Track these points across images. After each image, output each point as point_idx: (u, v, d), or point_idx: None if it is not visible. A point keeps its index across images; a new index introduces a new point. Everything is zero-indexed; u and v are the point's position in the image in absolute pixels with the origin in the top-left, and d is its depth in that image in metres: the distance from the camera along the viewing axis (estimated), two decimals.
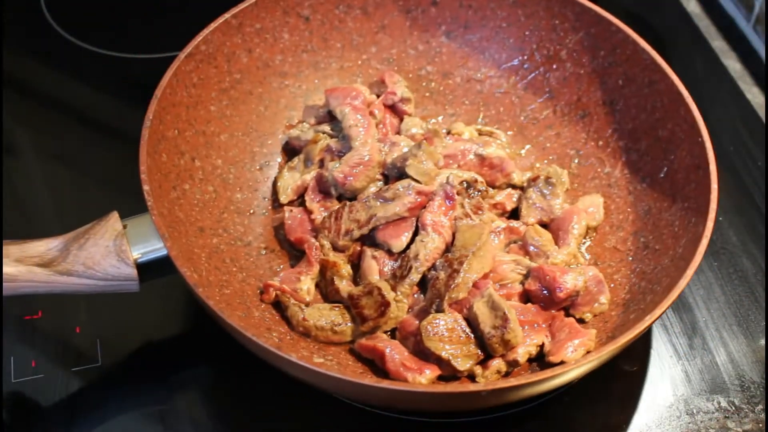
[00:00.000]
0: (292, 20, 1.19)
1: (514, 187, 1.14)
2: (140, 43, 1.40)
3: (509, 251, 1.07)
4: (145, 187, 0.95)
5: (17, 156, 1.25)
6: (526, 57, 1.22)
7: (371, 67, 1.24)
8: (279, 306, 1.03)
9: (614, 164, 1.14)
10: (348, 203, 1.07)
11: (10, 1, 1.46)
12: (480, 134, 1.19)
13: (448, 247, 1.03)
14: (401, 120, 1.18)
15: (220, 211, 1.08)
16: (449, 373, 0.96)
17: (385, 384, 0.85)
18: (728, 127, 1.32)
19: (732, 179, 1.25)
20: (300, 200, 1.13)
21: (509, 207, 1.13)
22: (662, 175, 1.08)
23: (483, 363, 0.97)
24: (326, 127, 1.16)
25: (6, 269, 0.90)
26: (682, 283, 0.90)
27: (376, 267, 1.03)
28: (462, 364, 0.95)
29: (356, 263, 1.06)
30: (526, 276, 1.04)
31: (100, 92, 1.34)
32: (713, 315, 1.11)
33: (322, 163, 1.13)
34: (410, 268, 1.01)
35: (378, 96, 1.18)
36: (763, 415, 1.02)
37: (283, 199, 1.13)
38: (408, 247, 1.03)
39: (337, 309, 1.01)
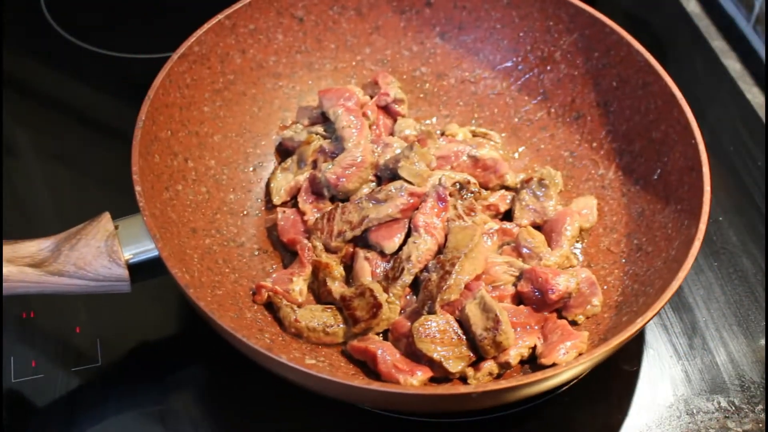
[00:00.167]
0: (285, 21, 1.19)
1: (507, 188, 1.14)
2: (140, 43, 1.40)
3: (502, 253, 1.07)
4: (137, 188, 0.95)
5: (17, 156, 1.25)
6: (520, 58, 1.21)
7: (365, 68, 1.23)
8: (271, 307, 1.03)
9: (608, 166, 1.14)
10: (340, 204, 1.07)
11: (10, 1, 1.46)
12: (474, 135, 1.19)
13: (441, 249, 1.02)
14: (395, 121, 1.18)
15: (213, 212, 1.08)
16: (441, 375, 0.96)
17: (375, 386, 0.85)
18: (728, 127, 1.31)
19: (732, 179, 1.25)
20: (293, 201, 1.13)
21: (502, 208, 1.12)
22: (656, 177, 1.08)
23: (475, 365, 0.97)
24: (319, 128, 1.16)
25: None
26: (675, 285, 0.90)
27: (369, 268, 1.03)
28: (454, 366, 0.95)
29: (349, 264, 1.06)
30: (518, 278, 1.03)
31: (100, 92, 1.35)
32: (713, 315, 1.11)
33: (315, 164, 1.13)
34: (402, 269, 1.01)
35: (371, 97, 1.18)
36: (763, 415, 1.02)
37: (276, 200, 1.12)
38: (400, 248, 1.03)
39: (329, 310, 1.01)
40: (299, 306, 1.02)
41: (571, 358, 0.94)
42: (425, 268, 1.01)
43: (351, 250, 1.06)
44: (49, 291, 0.93)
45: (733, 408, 1.03)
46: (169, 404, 1.02)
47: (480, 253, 1.01)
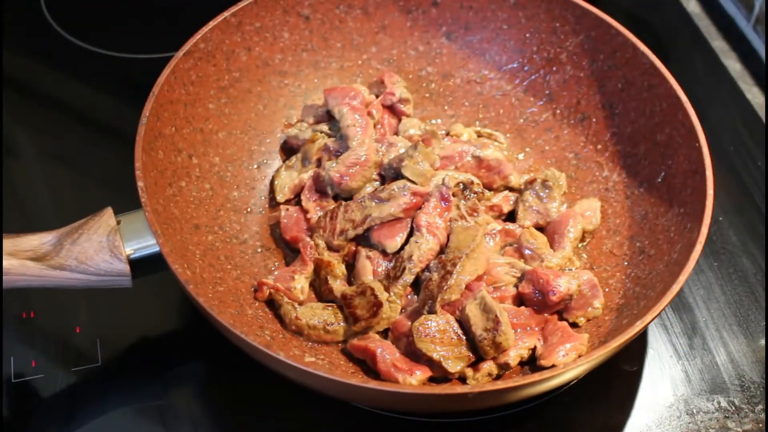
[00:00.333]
0: (292, 19, 1.19)
1: (511, 189, 1.14)
2: (140, 43, 1.40)
3: (504, 254, 1.07)
4: (140, 184, 0.95)
5: (17, 156, 1.26)
6: (526, 59, 1.21)
7: (371, 68, 1.24)
8: (273, 304, 1.03)
9: (612, 168, 1.14)
10: (343, 203, 1.07)
11: (10, 1, 1.46)
12: (479, 136, 1.19)
13: (443, 249, 1.02)
14: (400, 121, 1.18)
15: (216, 208, 1.08)
16: (440, 375, 0.96)
17: (373, 384, 0.85)
18: (728, 127, 1.31)
19: (732, 179, 1.24)
20: (297, 199, 1.13)
21: (506, 209, 1.12)
22: (659, 180, 1.07)
23: (474, 365, 0.97)
24: (324, 127, 1.16)
25: None
26: (675, 289, 0.90)
27: (370, 267, 1.03)
28: (453, 366, 0.95)
29: (351, 263, 1.06)
30: (520, 279, 1.03)
31: (100, 92, 1.35)
32: (713, 315, 1.11)
33: (319, 163, 1.13)
34: (404, 268, 1.01)
35: (377, 96, 1.18)
36: (763, 415, 1.02)
37: (280, 197, 1.13)
38: (402, 247, 1.03)
39: (330, 308, 1.01)
40: (300, 304, 1.02)
41: (570, 360, 0.94)
42: (426, 268, 1.01)
43: (353, 248, 1.06)
44: (51, 285, 0.93)
45: (733, 408, 1.03)
46: (169, 404, 1.02)
47: (481, 253, 1.01)
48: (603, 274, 1.06)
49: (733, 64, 1.44)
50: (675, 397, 1.04)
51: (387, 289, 1.00)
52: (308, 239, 1.06)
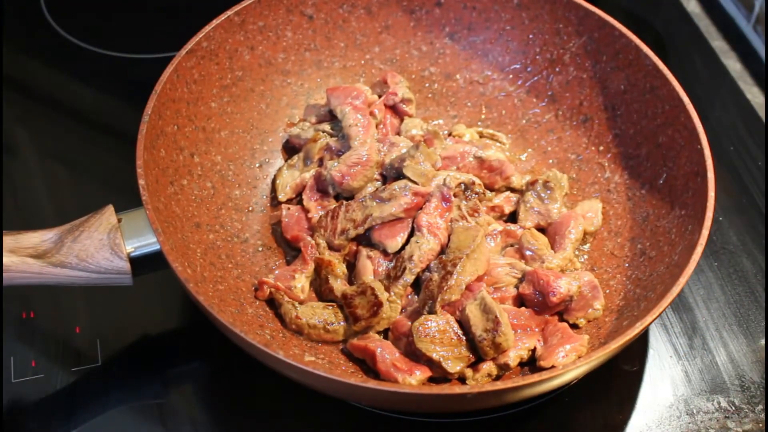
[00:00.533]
0: (295, 18, 1.19)
1: (513, 190, 1.14)
2: (140, 43, 1.40)
3: (505, 254, 1.07)
4: (141, 182, 0.95)
5: (17, 156, 1.26)
6: (529, 60, 1.21)
7: (374, 67, 1.24)
8: (273, 303, 1.03)
9: (614, 170, 1.13)
10: (344, 202, 1.07)
11: (10, 1, 1.46)
12: (481, 137, 1.19)
13: (444, 249, 1.02)
14: (402, 121, 1.18)
15: (217, 207, 1.09)
16: (440, 375, 0.96)
17: (372, 384, 0.85)
18: (728, 127, 1.31)
19: (732, 179, 1.24)
20: (298, 198, 1.13)
21: (507, 210, 1.12)
22: (661, 182, 1.07)
23: (474, 366, 0.97)
24: (326, 126, 1.16)
25: None
26: (675, 291, 0.90)
27: (371, 267, 1.03)
28: (452, 367, 0.95)
29: (351, 263, 1.06)
30: (520, 280, 1.03)
31: (100, 92, 1.35)
32: (713, 315, 1.11)
33: (321, 162, 1.13)
34: (404, 268, 1.01)
35: (379, 96, 1.18)
36: (763, 415, 1.02)
37: (282, 196, 1.13)
38: (403, 247, 1.03)
39: (330, 308, 1.01)
40: (301, 303, 1.02)
41: (570, 362, 0.93)
42: (427, 268, 1.01)
43: (354, 248, 1.06)
44: (51, 282, 0.93)
45: (733, 408, 1.02)
46: (169, 403, 1.02)
47: (482, 254, 1.01)
48: (604, 275, 1.06)
49: (733, 64, 1.44)
50: (675, 397, 1.04)
51: (387, 289, 1.00)
52: (309, 238, 1.06)
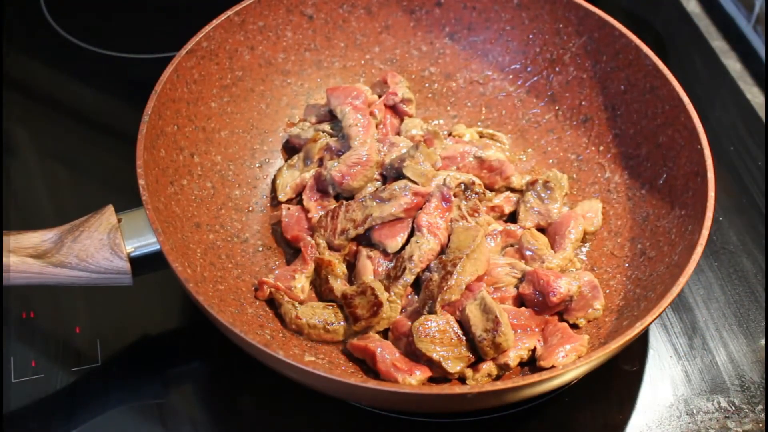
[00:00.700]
0: (295, 18, 1.19)
1: (513, 190, 1.14)
2: (140, 43, 1.40)
3: (505, 254, 1.07)
4: (141, 182, 0.95)
5: (17, 156, 1.26)
6: (529, 60, 1.21)
7: (374, 67, 1.24)
8: (273, 303, 1.03)
9: (614, 170, 1.13)
10: (344, 202, 1.07)
11: (10, 1, 1.46)
12: (481, 137, 1.19)
13: (444, 249, 1.02)
14: (402, 121, 1.18)
15: (217, 207, 1.09)
16: (440, 375, 0.96)
17: (372, 384, 0.85)
18: (728, 127, 1.31)
19: (732, 179, 1.24)
20: (298, 198, 1.14)
21: (507, 210, 1.12)
22: (661, 182, 1.07)
23: (474, 366, 0.97)
24: (326, 126, 1.16)
25: None
26: (675, 291, 0.90)
27: (371, 267, 1.03)
28: (452, 367, 0.95)
29: (351, 263, 1.06)
30: (520, 280, 1.03)
31: (100, 92, 1.35)
32: (713, 315, 1.11)
33: (321, 162, 1.13)
34: (404, 268, 1.01)
35: (379, 96, 1.18)
36: (763, 416, 1.02)
37: (282, 196, 1.13)
38: (403, 247, 1.03)
39: (330, 308, 1.01)
40: (301, 303, 1.02)
41: (570, 362, 0.93)
42: (427, 268, 1.01)
43: (354, 248, 1.06)
44: (51, 282, 0.93)
45: (733, 408, 1.02)
46: (169, 403, 1.02)
47: (482, 254, 1.01)
48: (604, 275, 1.06)
49: (733, 64, 1.44)
50: (675, 397, 1.04)
51: (387, 289, 1.00)
52: (309, 238, 1.06)
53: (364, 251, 1.05)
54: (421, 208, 1.05)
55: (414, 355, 0.96)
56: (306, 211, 1.10)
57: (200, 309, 0.89)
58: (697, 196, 1.00)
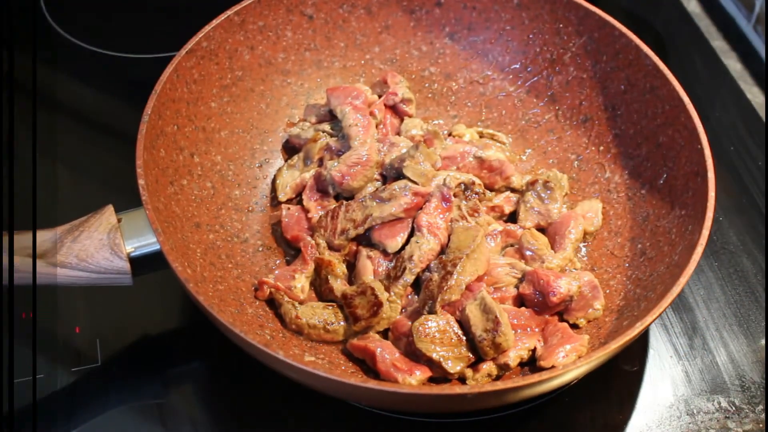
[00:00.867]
0: (295, 18, 1.19)
1: (513, 190, 1.14)
2: (140, 43, 1.40)
3: (505, 254, 1.07)
4: (141, 182, 0.95)
5: (17, 156, 1.25)
6: (529, 60, 1.21)
7: (374, 67, 1.24)
8: (273, 303, 1.03)
9: (615, 170, 1.13)
10: (344, 202, 1.07)
11: (10, 1, 1.46)
12: (481, 137, 1.18)
13: (444, 249, 1.02)
14: (402, 121, 1.18)
15: (217, 207, 1.09)
16: (440, 375, 0.96)
17: (371, 384, 0.85)
18: (728, 127, 1.31)
19: (732, 179, 1.24)
20: (298, 198, 1.13)
21: (507, 210, 1.12)
22: (662, 182, 1.07)
23: (474, 366, 0.97)
24: (326, 126, 1.16)
25: None
26: (675, 291, 0.90)
27: (371, 267, 1.03)
28: (452, 367, 0.95)
29: (351, 263, 1.06)
30: (520, 280, 1.03)
31: (100, 92, 1.35)
32: (713, 315, 1.11)
33: (321, 162, 1.13)
34: (404, 269, 1.01)
35: (379, 96, 1.18)
36: (763, 416, 1.02)
37: (282, 196, 1.13)
38: (403, 247, 1.03)
39: (330, 308, 1.01)
40: (301, 303, 1.02)
41: (570, 362, 0.93)
42: (427, 268, 1.01)
43: (354, 248, 1.06)
44: (51, 282, 0.94)
45: (734, 408, 1.02)
46: (169, 403, 1.02)
47: (482, 254, 1.01)
48: (604, 275, 1.06)
49: (733, 64, 1.44)
50: (675, 397, 1.04)
51: (387, 289, 1.00)
52: (309, 238, 1.06)
53: (364, 251, 1.05)
54: (421, 208, 1.05)
55: (414, 355, 0.96)
56: (306, 211, 1.10)
57: (200, 309, 0.89)
58: (697, 196, 1.00)
